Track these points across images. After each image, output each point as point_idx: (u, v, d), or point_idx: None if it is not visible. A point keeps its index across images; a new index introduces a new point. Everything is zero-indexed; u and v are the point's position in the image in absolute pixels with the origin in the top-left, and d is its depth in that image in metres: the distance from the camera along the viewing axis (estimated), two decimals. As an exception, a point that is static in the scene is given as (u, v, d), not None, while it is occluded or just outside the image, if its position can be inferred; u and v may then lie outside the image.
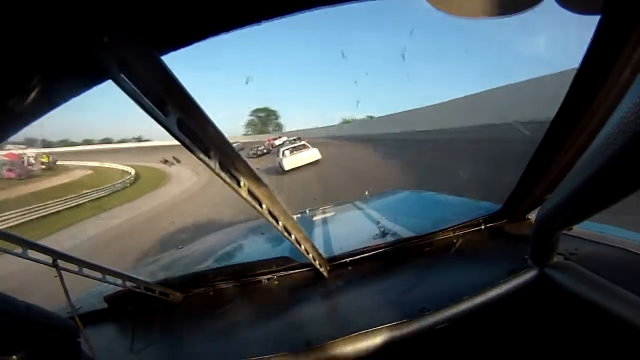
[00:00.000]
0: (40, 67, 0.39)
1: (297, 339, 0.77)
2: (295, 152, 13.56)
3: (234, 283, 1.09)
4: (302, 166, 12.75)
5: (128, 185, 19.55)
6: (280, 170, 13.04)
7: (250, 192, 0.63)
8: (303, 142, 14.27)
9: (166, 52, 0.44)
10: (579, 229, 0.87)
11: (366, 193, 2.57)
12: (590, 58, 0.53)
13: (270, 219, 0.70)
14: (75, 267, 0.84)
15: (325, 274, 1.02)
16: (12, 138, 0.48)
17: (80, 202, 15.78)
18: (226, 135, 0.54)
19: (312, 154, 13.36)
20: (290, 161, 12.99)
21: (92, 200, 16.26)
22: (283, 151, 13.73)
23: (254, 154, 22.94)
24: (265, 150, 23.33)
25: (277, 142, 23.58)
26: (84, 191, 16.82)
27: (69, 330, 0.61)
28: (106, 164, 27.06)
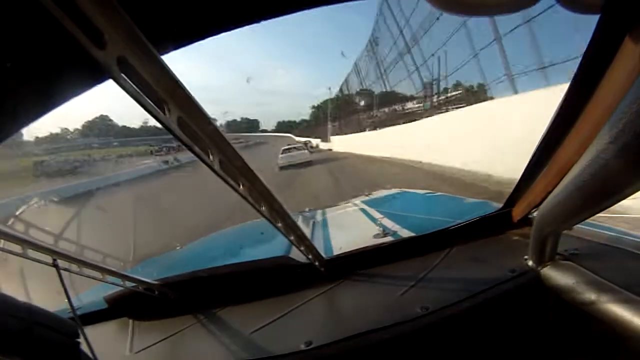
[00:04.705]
0: (40, 67, 0.39)
1: (297, 339, 0.77)
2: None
3: (233, 283, 1.09)
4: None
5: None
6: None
7: (250, 192, 0.63)
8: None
9: (166, 52, 0.44)
10: (579, 228, 0.87)
11: (365, 193, 2.57)
12: (589, 57, 0.53)
13: (270, 218, 0.70)
14: (75, 267, 0.84)
15: (325, 274, 1.02)
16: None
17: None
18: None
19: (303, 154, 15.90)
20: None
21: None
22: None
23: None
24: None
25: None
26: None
27: (69, 330, 0.61)
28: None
